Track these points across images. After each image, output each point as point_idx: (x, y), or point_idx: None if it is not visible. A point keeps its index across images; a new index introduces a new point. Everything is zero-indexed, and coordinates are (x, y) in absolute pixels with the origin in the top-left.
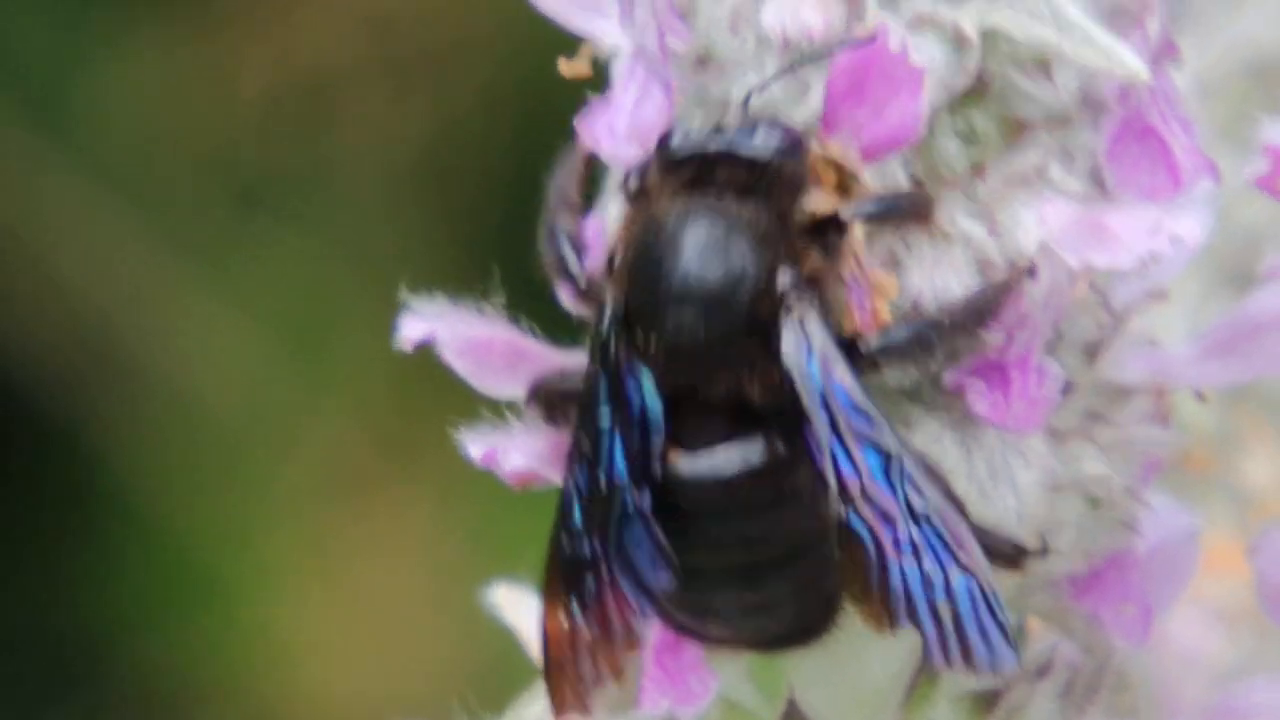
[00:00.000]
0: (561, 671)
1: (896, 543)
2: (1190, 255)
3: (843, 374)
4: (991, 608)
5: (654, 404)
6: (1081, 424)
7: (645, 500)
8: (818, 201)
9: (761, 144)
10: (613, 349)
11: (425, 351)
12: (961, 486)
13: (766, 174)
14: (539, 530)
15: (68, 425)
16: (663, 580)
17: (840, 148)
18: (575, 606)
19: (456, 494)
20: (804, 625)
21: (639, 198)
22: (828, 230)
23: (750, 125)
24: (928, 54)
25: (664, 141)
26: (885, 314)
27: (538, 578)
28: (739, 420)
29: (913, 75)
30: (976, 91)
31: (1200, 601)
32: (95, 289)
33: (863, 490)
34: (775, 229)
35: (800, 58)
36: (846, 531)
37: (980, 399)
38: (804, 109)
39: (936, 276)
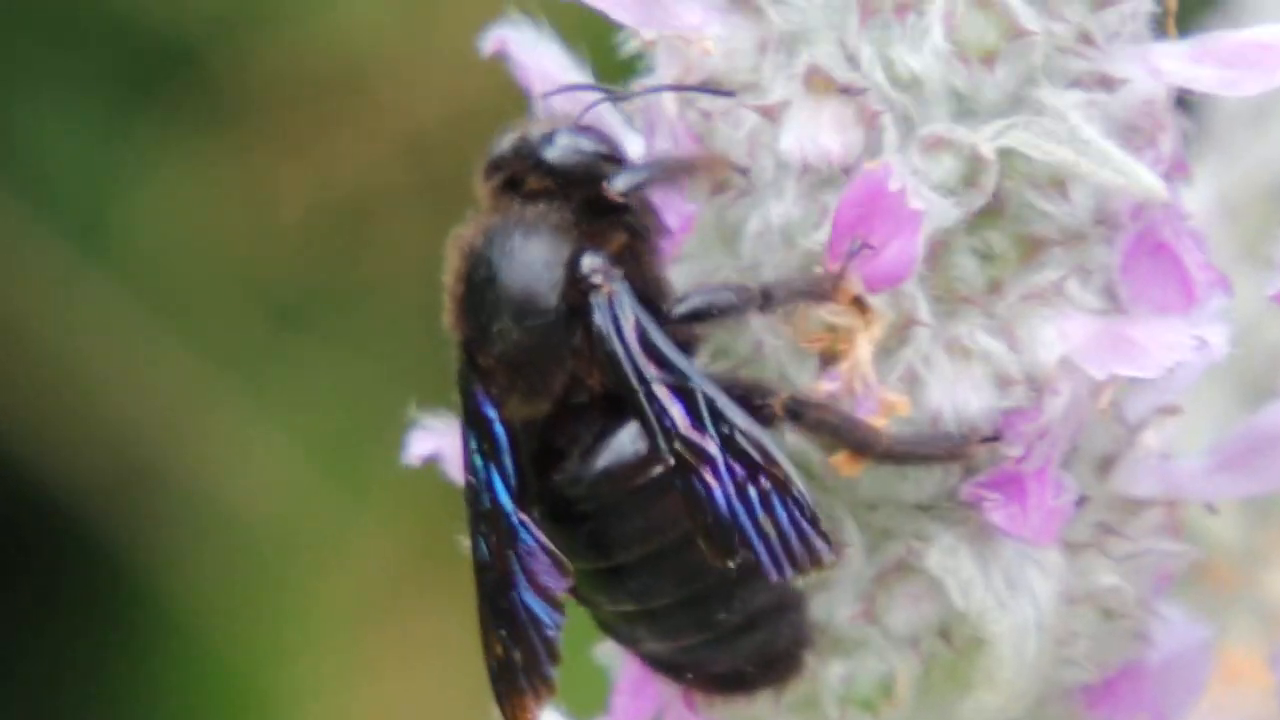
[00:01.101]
0: (510, 700)
1: (716, 473)
2: (1206, 368)
3: (648, 331)
4: (802, 508)
5: (502, 428)
6: (1095, 536)
7: (529, 515)
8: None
9: (559, 148)
10: (466, 381)
11: None
12: (979, 597)
13: (562, 175)
14: (580, 642)
15: (108, 541)
16: (562, 587)
17: (846, 274)
18: (504, 635)
19: None
20: (762, 654)
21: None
22: (626, 210)
23: (551, 133)
24: (941, 174)
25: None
26: (889, 428)
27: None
28: (607, 417)
29: (912, 218)
30: (993, 210)
31: (1222, 712)
32: (134, 406)
33: (679, 432)
34: (572, 220)
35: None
36: (677, 475)
37: (997, 511)
38: (821, 233)
39: (956, 393)
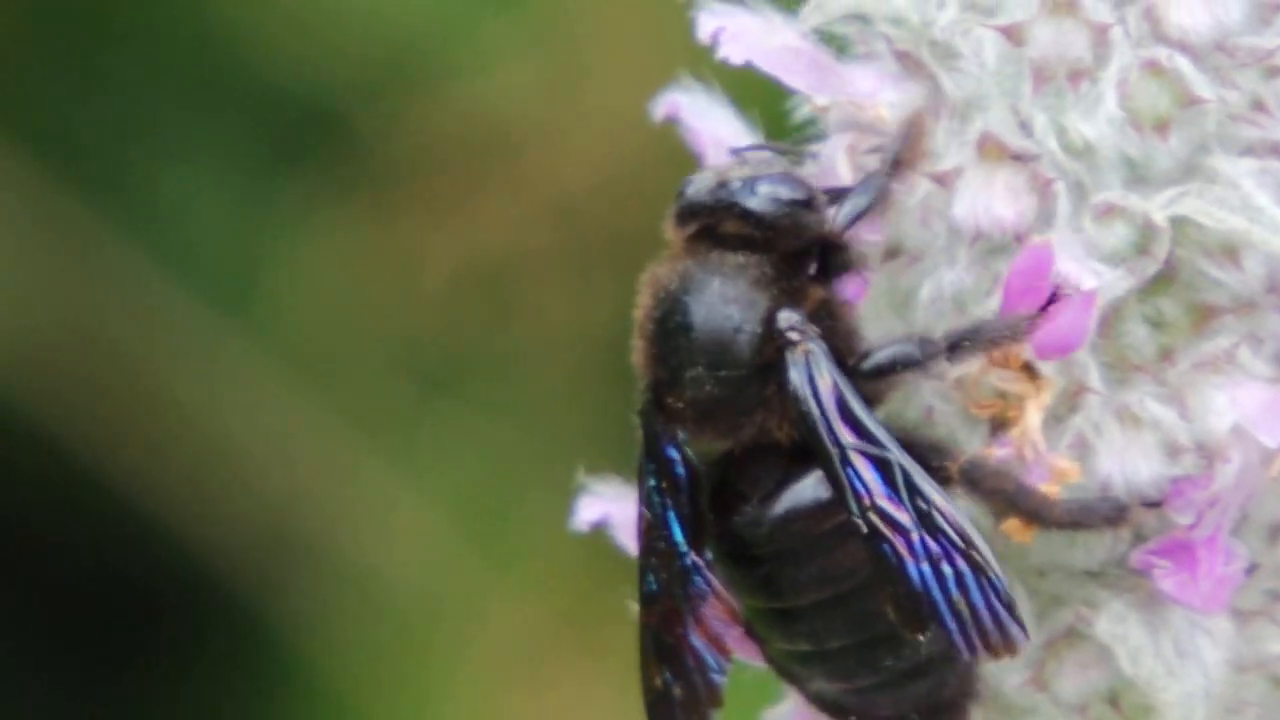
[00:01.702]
0: None
1: (910, 546)
2: None
3: (845, 395)
4: (999, 592)
5: (683, 469)
6: (1265, 604)
7: (702, 558)
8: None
9: (761, 197)
10: (650, 420)
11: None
12: (1148, 665)
13: (765, 224)
14: (727, 704)
15: (252, 607)
16: (733, 635)
17: (1016, 343)
18: (666, 670)
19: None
20: (929, 701)
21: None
22: (829, 259)
23: (753, 179)
24: (1113, 242)
25: (679, 194)
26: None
27: None
28: (791, 463)
29: (1084, 298)
30: (1166, 278)
31: None
32: (280, 471)
33: (873, 501)
34: (773, 274)
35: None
36: (868, 542)
37: (1167, 578)
38: (993, 301)
39: (1126, 461)
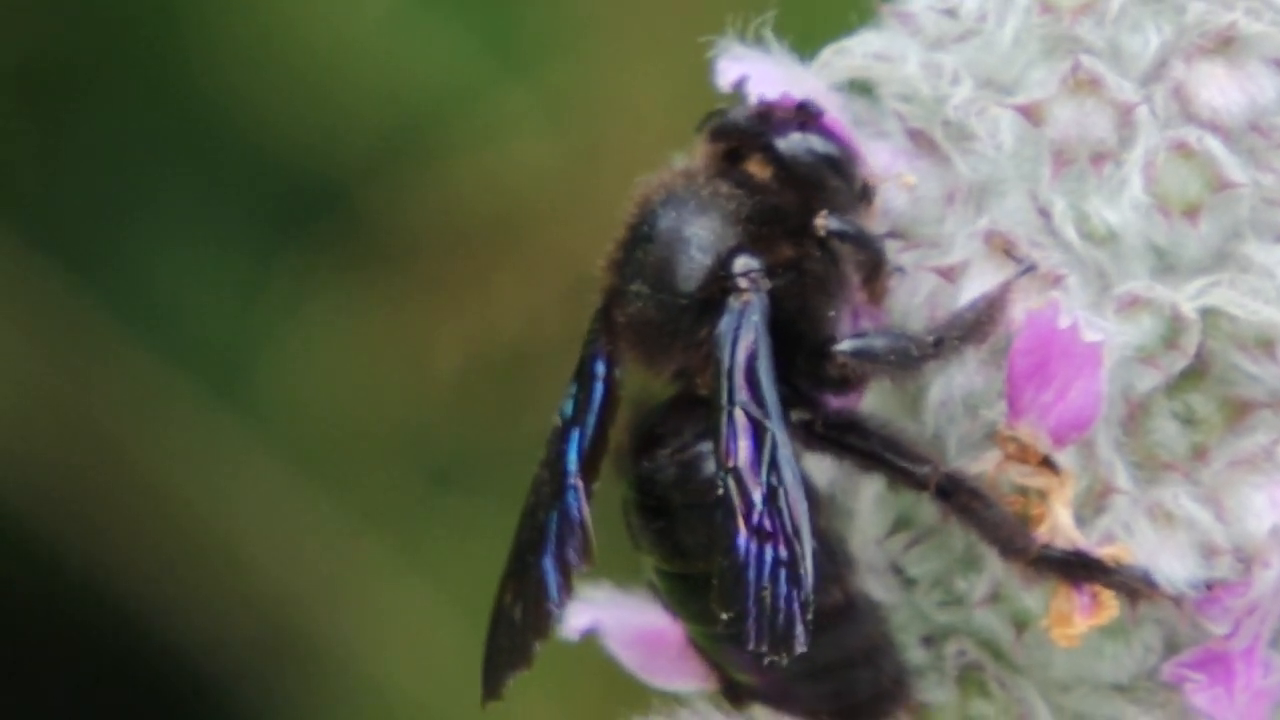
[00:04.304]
0: (494, 659)
1: (748, 517)
2: None
3: (758, 354)
4: (801, 590)
5: (602, 388)
6: None
7: (589, 482)
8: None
9: (793, 141)
10: (594, 330)
11: None
12: None
13: (784, 166)
14: None
15: (254, 707)
16: (583, 565)
17: (1030, 431)
18: (513, 588)
19: None
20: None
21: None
22: (829, 242)
23: (795, 122)
24: (1139, 336)
25: (719, 110)
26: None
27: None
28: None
29: (1090, 353)
30: (1196, 372)
31: None
32: (282, 567)
33: (736, 464)
34: (755, 216)
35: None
36: (718, 504)
37: (1201, 693)
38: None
39: (1160, 562)
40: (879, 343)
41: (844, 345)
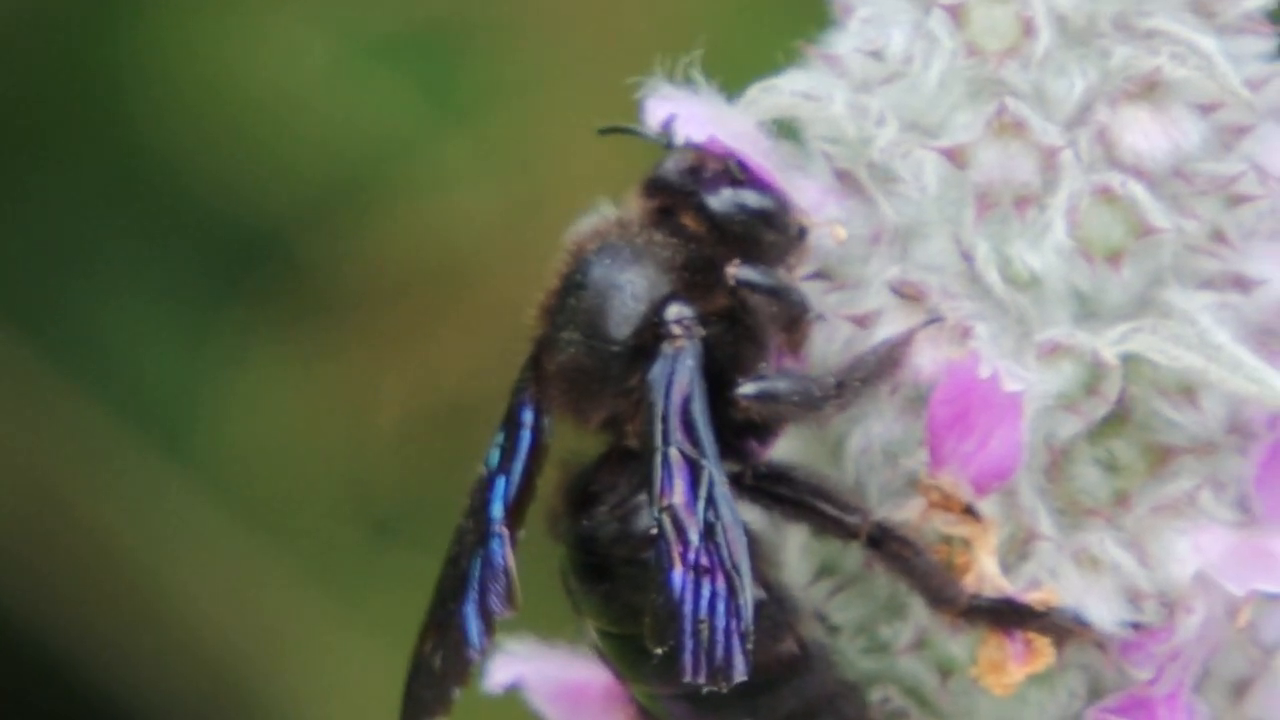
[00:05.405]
0: (411, 708)
1: (684, 555)
2: None
3: (693, 397)
4: (741, 620)
5: (530, 435)
6: None
7: (514, 530)
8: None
9: (724, 197)
10: (523, 379)
11: None
12: None
13: (716, 223)
14: None
15: None
16: (506, 614)
17: (952, 481)
18: (433, 637)
19: None
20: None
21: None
22: (739, 291)
23: (726, 177)
24: (1060, 383)
25: (656, 164)
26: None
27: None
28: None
29: (1010, 402)
30: (1118, 418)
31: None
32: (225, 619)
33: (671, 501)
34: (688, 264)
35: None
36: (654, 542)
37: None
38: (924, 453)
39: (1087, 605)
40: (781, 385)
41: (747, 388)
